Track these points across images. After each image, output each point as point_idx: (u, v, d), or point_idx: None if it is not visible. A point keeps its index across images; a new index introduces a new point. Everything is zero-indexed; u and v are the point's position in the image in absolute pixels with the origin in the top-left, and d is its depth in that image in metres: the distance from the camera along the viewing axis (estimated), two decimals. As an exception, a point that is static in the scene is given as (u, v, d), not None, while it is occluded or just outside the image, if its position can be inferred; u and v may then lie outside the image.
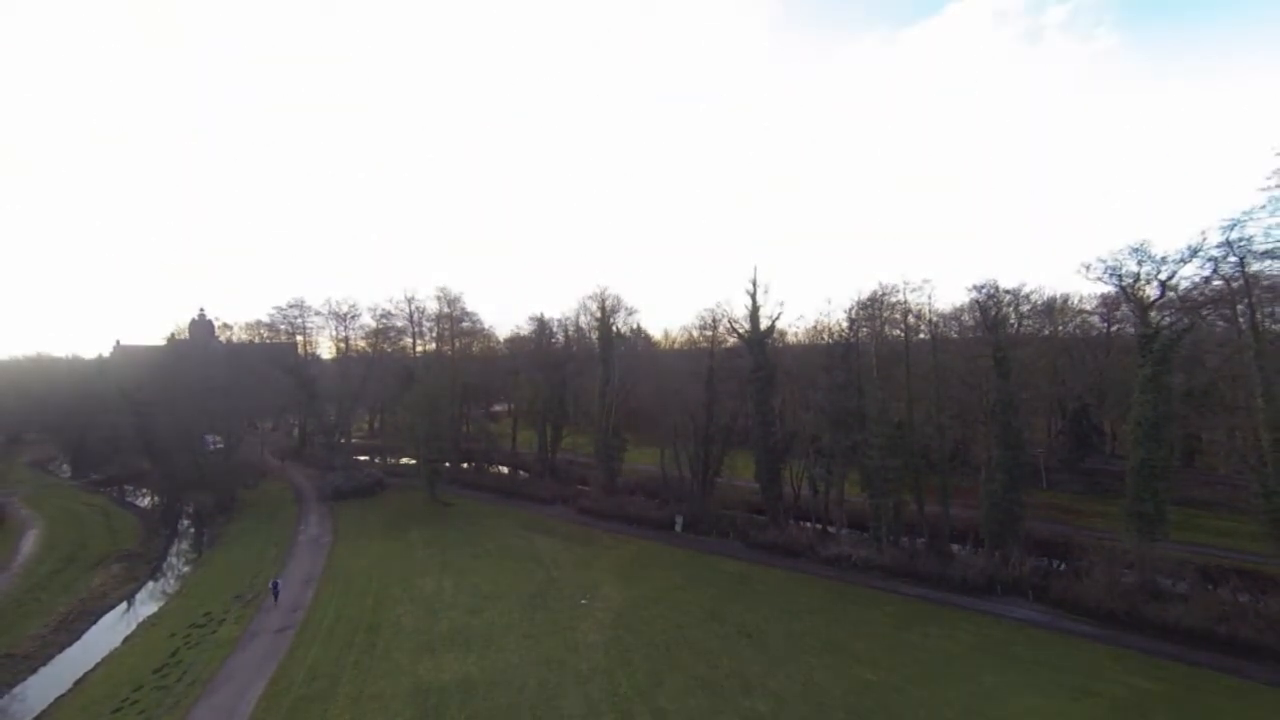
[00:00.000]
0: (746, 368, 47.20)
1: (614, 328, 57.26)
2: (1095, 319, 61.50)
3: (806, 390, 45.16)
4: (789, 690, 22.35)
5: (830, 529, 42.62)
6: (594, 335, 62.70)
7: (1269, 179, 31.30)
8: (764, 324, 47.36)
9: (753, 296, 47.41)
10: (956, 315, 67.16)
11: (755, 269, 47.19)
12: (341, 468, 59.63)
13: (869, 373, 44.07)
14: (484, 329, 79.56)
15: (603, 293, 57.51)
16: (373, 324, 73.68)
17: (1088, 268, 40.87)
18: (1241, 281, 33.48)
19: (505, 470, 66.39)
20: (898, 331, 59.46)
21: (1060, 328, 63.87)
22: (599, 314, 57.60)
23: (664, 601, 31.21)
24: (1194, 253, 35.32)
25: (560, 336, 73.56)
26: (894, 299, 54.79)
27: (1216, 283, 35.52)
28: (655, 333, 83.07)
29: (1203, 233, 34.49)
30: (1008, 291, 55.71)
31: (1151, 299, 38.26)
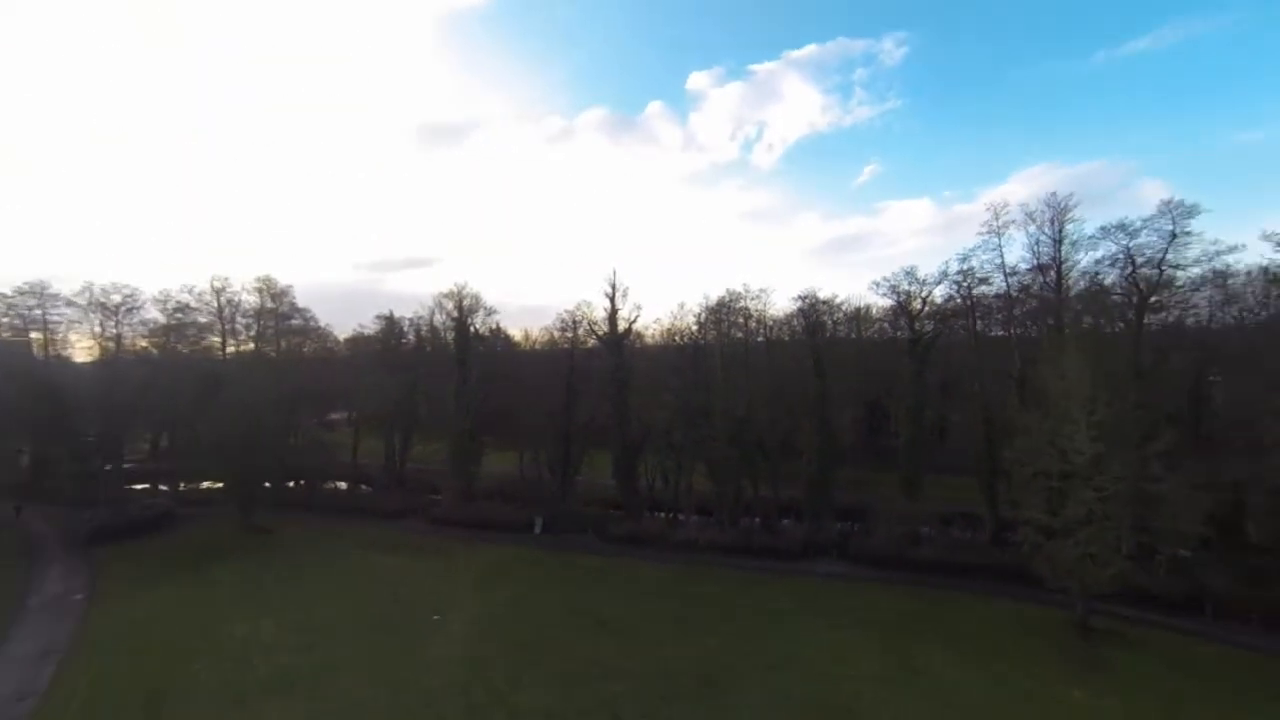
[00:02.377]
0: (606, 368, 49.05)
1: (472, 328, 54.90)
2: (885, 326, 75.65)
3: (660, 389, 48.43)
4: (644, 669, 24.19)
5: (680, 517, 46.36)
6: (450, 335, 59.53)
7: (982, 227, 42.20)
8: (622, 326, 49.69)
9: (611, 299, 49.45)
10: (788, 321, 77.58)
11: (614, 273, 49.24)
12: (106, 502, 46.66)
13: (715, 372, 48.97)
14: (319, 327, 70.33)
15: (460, 291, 54.77)
16: (161, 319, 60.42)
17: (878, 285, 50.64)
18: (969, 300, 44.54)
19: (344, 485, 59.50)
20: (740, 334, 66.72)
21: (864, 333, 77.36)
22: (456, 313, 54.82)
23: (523, 604, 31.28)
24: (943, 277, 45.98)
25: (411, 336, 68.26)
26: (738, 305, 61.55)
27: (956, 300, 46.63)
28: (516, 334, 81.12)
29: (946, 263, 45.16)
30: (824, 302, 66.29)
31: (917, 311, 48.86)
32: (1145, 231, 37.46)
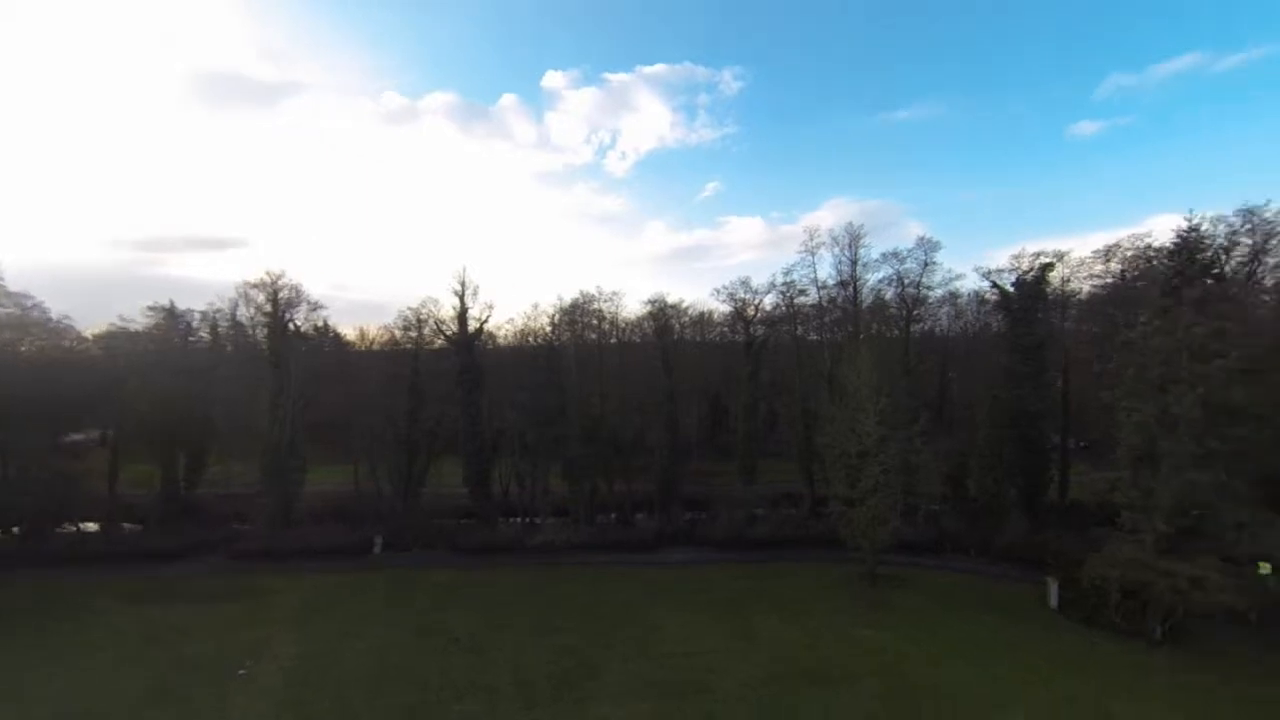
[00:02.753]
0: (455, 370, 46.19)
1: (291, 324, 46.87)
2: (725, 330, 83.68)
3: (514, 390, 47.18)
4: (500, 681, 23.30)
5: (537, 520, 45.75)
6: (260, 333, 50.33)
7: (801, 246, 49.34)
8: (473, 326, 47.25)
9: (461, 298, 46.73)
10: (639, 324, 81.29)
11: (464, 270, 46.61)
12: None
13: (569, 372, 49.31)
14: (51, 321, 53.48)
15: (275, 281, 46.03)
16: None
17: (718, 292, 55.92)
18: (790, 309, 51.71)
19: (96, 526, 46.04)
20: (594, 336, 68.00)
21: (707, 336, 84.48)
22: (269, 307, 46.31)
23: (360, 634, 27.93)
24: (771, 287, 52.60)
25: (205, 333, 56.19)
26: (592, 307, 62.67)
27: (782, 308, 53.72)
28: (349, 333, 71.48)
29: (774, 275, 51.81)
30: (672, 307, 71.01)
31: (751, 317, 55.13)
32: (909, 260, 47.57)
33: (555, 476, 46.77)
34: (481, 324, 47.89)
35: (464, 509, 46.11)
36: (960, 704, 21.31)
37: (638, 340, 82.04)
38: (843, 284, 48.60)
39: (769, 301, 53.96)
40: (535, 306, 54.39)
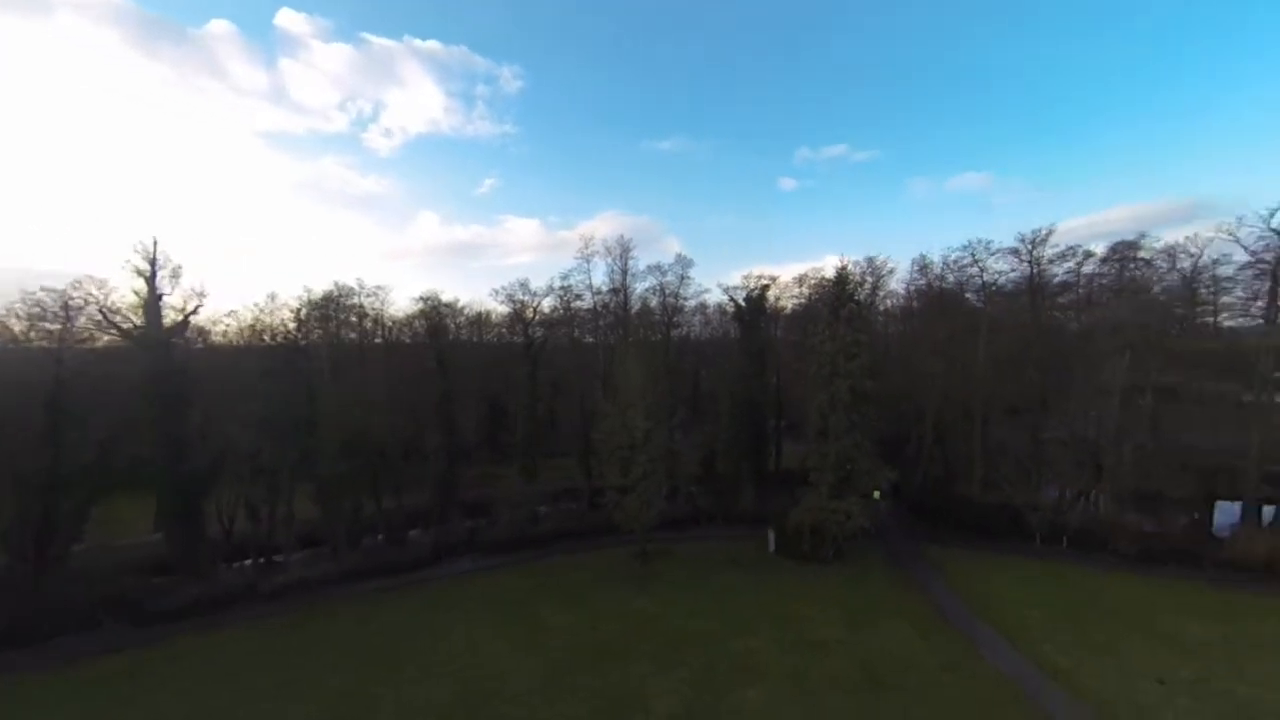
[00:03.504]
0: (141, 376, 34.63)
1: None
2: (504, 331, 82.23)
3: (243, 399, 37.87)
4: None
5: (278, 558, 37.69)
6: None
7: (577, 254, 52.19)
8: (171, 318, 36.20)
9: (150, 280, 35.23)
10: (409, 322, 73.80)
11: (154, 242, 35.22)
12: None
13: (321, 376, 42.00)
14: None
15: None
16: None
17: (497, 293, 54.82)
18: (568, 312, 54.18)
19: None
20: (354, 335, 59.10)
21: (485, 336, 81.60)
22: None
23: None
24: (550, 291, 54.05)
25: None
26: (350, 301, 54.37)
27: (560, 311, 55.69)
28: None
29: (553, 279, 53.41)
30: (448, 305, 66.61)
31: (530, 318, 55.73)
32: (670, 273, 54.88)
33: (307, 499, 39.19)
34: (186, 316, 37.01)
35: (157, 561, 34.93)
36: (712, 643, 25.93)
37: (407, 340, 74.54)
38: (615, 291, 53.21)
39: (548, 304, 55.47)
40: (272, 298, 44.25)
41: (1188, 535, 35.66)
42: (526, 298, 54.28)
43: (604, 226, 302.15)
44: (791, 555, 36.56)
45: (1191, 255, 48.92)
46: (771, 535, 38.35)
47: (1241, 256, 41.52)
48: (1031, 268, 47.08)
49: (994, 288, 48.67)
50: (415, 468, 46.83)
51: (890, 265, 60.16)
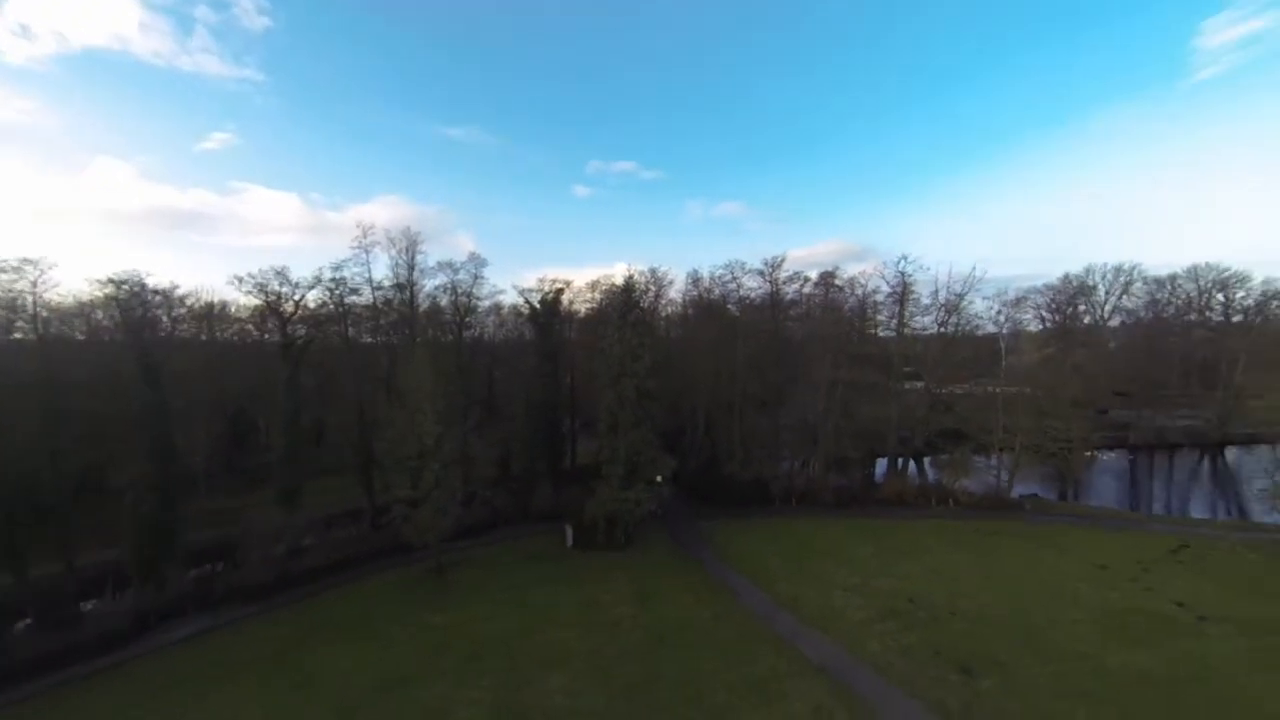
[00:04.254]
0: None
1: None
2: (251, 327, 66.70)
3: None
4: None
5: None
6: None
7: (353, 242, 45.99)
8: None
9: None
10: (83, 312, 54.21)
11: None
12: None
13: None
14: None
15: None
16: None
17: (242, 281, 44.43)
18: (342, 308, 47.20)
19: None
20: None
21: (219, 333, 64.89)
22: None
23: None
24: (317, 282, 46.23)
25: None
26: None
27: (330, 307, 48.07)
28: None
29: (321, 269, 45.84)
30: (157, 292, 51.10)
31: (290, 314, 46.72)
32: (463, 271, 52.35)
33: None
34: None
35: None
36: (515, 641, 25.96)
37: (80, 336, 55.58)
38: (399, 287, 48.37)
39: (315, 298, 47.36)
40: None
41: (861, 484, 49.60)
42: (285, 289, 45.36)
43: (384, 212, 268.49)
44: (589, 546, 38.74)
45: (862, 285, 68.03)
46: (569, 529, 39.97)
47: (886, 288, 59.80)
48: (772, 287, 59.03)
49: (747, 301, 59.52)
50: (102, 511, 35.00)
51: (670, 277, 68.41)
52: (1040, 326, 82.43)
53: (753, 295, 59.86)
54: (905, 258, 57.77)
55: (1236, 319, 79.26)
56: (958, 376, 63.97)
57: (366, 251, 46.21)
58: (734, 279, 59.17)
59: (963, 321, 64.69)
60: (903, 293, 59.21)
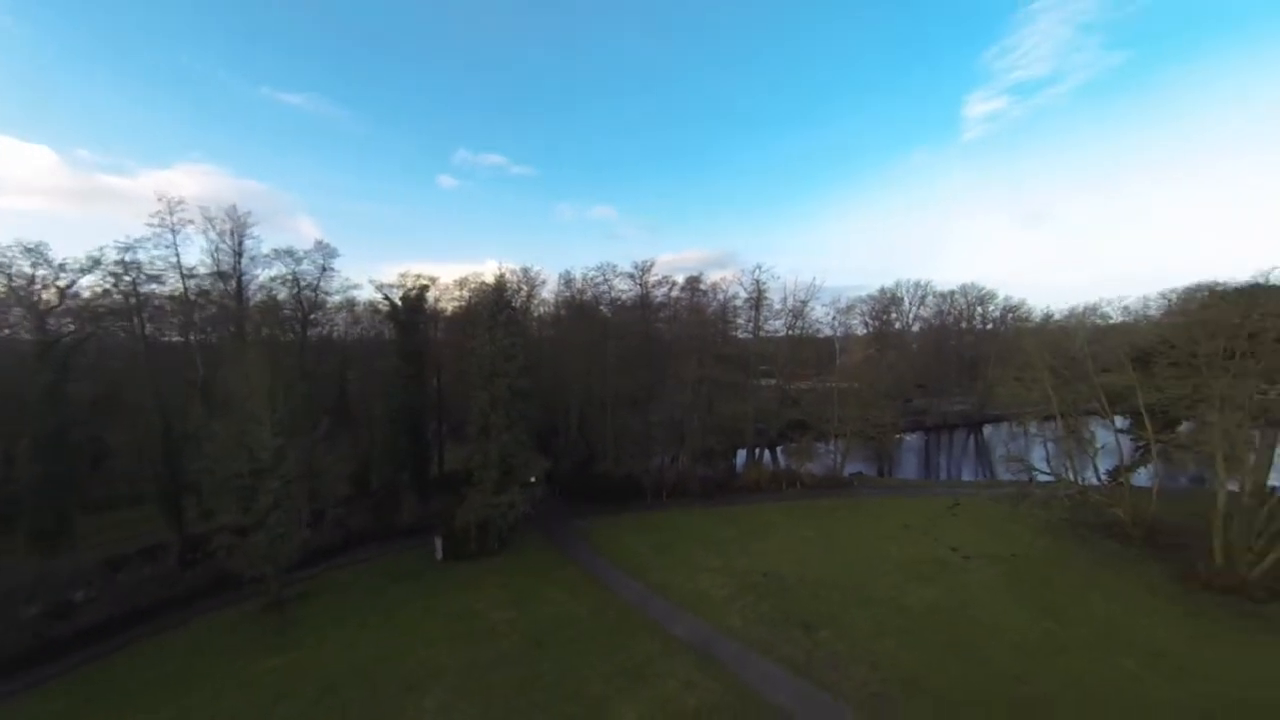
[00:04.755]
0: None
1: None
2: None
3: None
4: None
5: None
6: None
7: (153, 217, 37.86)
8: None
9: None
10: None
11: None
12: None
13: None
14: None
15: None
16: None
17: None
18: (135, 298, 38.51)
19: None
20: None
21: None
22: None
23: None
24: (95, 264, 37.09)
25: None
26: None
27: (116, 297, 38.86)
28: None
29: (102, 249, 36.89)
30: None
31: (52, 305, 36.79)
32: (307, 261, 46.12)
33: None
34: None
35: None
36: (379, 668, 23.62)
37: None
38: (221, 275, 41.01)
39: (90, 284, 37.97)
40: None
41: (724, 474, 54.05)
42: (43, 271, 35.72)
43: (191, 183, 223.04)
44: (461, 556, 36.70)
45: (724, 290, 74.15)
46: (439, 541, 37.46)
47: (744, 294, 66.06)
48: (642, 290, 61.48)
49: (619, 303, 61.21)
50: None
51: (543, 277, 67.59)
52: (865, 330, 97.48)
53: (624, 297, 61.83)
54: (760, 267, 64.51)
55: (989, 327, 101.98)
56: (803, 374, 73.01)
57: (174, 231, 38.45)
58: (606, 281, 60.61)
59: (806, 325, 74.01)
60: (758, 299, 65.91)
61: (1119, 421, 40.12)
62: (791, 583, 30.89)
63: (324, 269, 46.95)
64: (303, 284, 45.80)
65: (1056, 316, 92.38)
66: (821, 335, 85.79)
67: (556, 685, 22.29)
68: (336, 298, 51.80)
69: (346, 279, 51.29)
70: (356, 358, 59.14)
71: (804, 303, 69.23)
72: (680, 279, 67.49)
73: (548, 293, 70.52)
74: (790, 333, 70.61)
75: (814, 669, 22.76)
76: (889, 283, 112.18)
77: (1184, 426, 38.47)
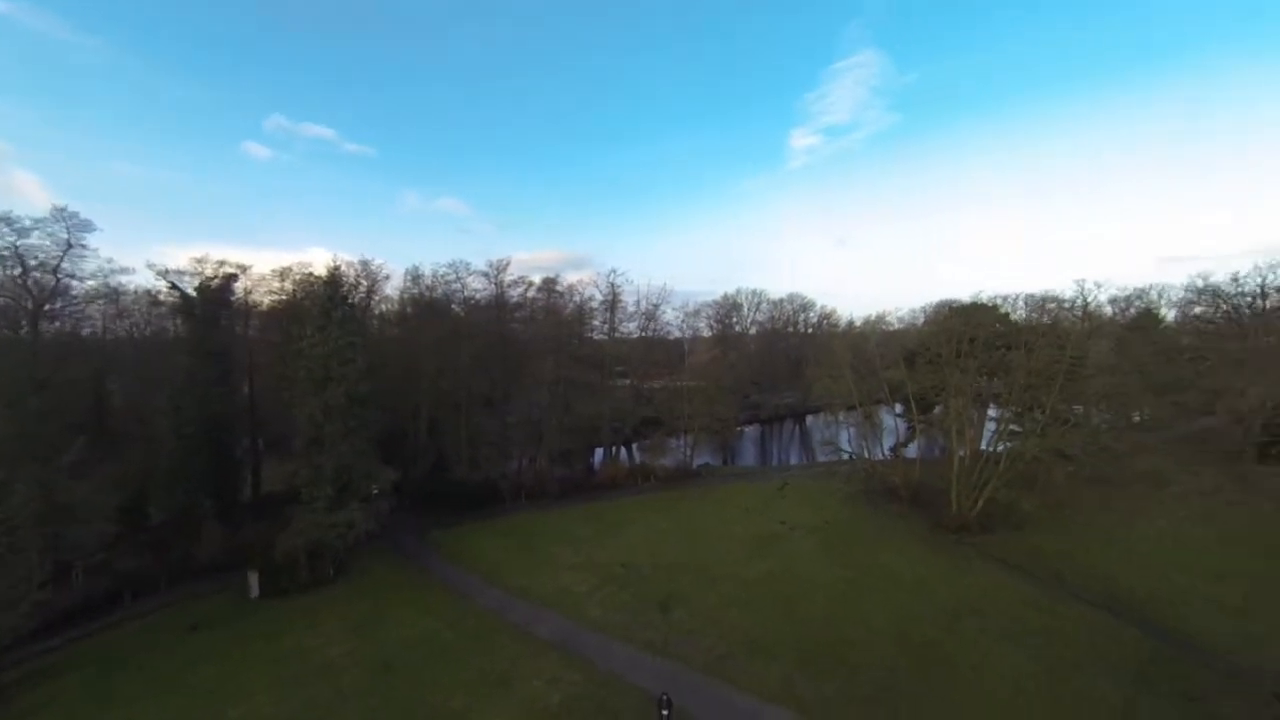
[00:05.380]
0: None
1: None
2: None
3: None
4: None
5: None
6: None
7: None
8: None
9: None
10: None
11: None
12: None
13: None
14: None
15: None
16: None
17: None
18: None
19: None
20: None
21: None
22: None
23: None
24: None
25: None
26: None
27: None
28: None
29: None
30: None
31: None
32: (37, 233, 35.52)
33: None
34: None
35: None
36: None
37: None
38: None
39: None
40: None
41: (582, 473, 54.94)
42: None
43: None
44: (284, 590, 31.72)
45: (580, 292, 75.18)
46: (253, 577, 31.92)
47: (600, 296, 67.92)
48: (497, 289, 59.44)
49: (472, 301, 58.39)
50: None
51: (386, 271, 61.40)
52: (710, 332, 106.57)
53: (478, 296, 59.23)
54: (615, 271, 66.82)
55: (810, 331, 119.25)
56: (655, 373, 77.29)
57: None
58: (458, 279, 57.41)
59: (658, 328, 78.52)
60: (613, 301, 68.18)
61: (897, 408, 50.25)
62: (648, 570, 32.81)
63: (69, 245, 36.58)
64: (30, 263, 35.28)
65: (857, 324, 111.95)
66: (672, 337, 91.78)
67: (411, 708, 20.76)
68: (90, 283, 40.52)
69: (109, 260, 40.23)
70: (123, 359, 47.50)
71: (656, 306, 73.42)
72: (537, 279, 66.80)
73: (392, 289, 64.41)
74: (644, 334, 74.26)
75: (670, 646, 24.60)
76: (731, 289, 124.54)
77: (937, 410, 49.65)
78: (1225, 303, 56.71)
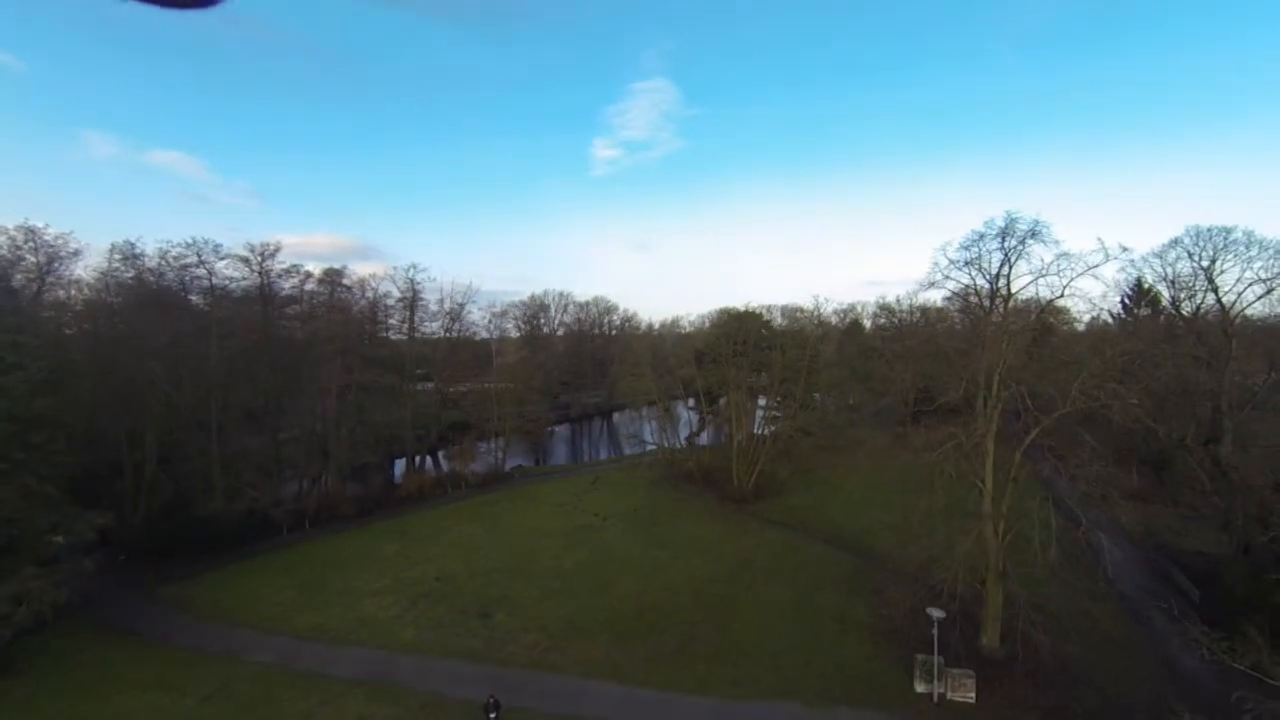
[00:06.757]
0: None
1: None
2: None
3: None
4: None
5: None
6: None
7: None
8: None
9: None
10: None
11: None
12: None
13: None
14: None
15: None
16: None
17: None
18: None
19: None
20: None
21: None
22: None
23: None
24: None
25: None
26: None
27: None
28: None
29: None
30: None
31: None
32: None
33: None
34: None
35: None
36: None
37: None
38: None
39: None
40: None
41: (382, 487, 49.41)
42: None
43: None
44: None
45: (373, 288, 67.01)
46: None
47: (397, 293, 61.82)
48: (262, 278, 49.27)
49: (223, 292, 47.31)
50: None
51: (75, 245, 45.58)
52: (518, 333, 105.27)
53: (233, 286, 48.34)
54: (415, 266, 61.47)
55: (614, 333, 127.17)
56: (462, 375, 73.35)
57: None
58: (200, 263, 45.73)
59: (464, 328, 74.65)
60: (413, 299, 62.63)
61: (690, 402, 57.68)
62: (464, 579, 31.62)
63: None
64: None
65: (656, 327, 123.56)
66: (479, 338, 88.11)
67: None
68: None
69: None
70: None
71: (461, 305, 69.68)
72: (316, 269, 57.56)
73: (86, 270, 47.96)
74: (448, 334, 69.89)
75: (493, 651, 24.40)
76: (539, 290, 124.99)
77: (721, 401, 58.60)
78: (894, 316, 79.82)
